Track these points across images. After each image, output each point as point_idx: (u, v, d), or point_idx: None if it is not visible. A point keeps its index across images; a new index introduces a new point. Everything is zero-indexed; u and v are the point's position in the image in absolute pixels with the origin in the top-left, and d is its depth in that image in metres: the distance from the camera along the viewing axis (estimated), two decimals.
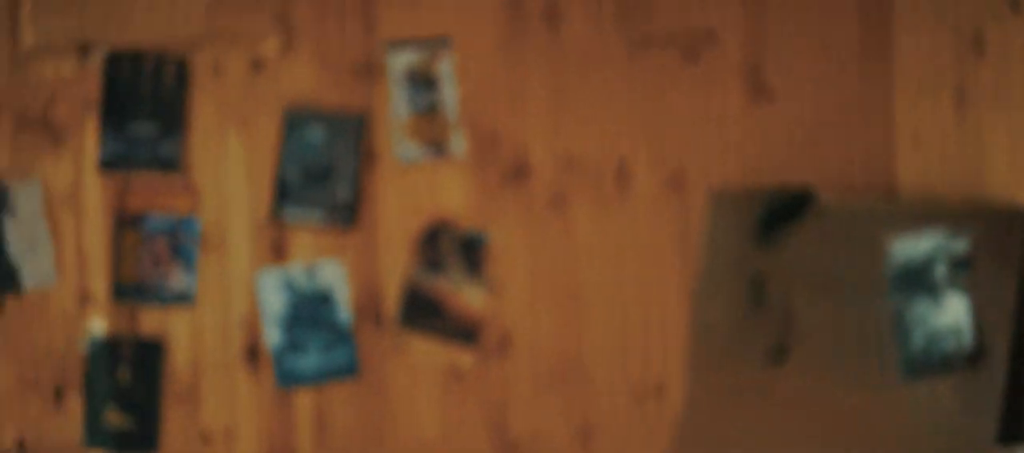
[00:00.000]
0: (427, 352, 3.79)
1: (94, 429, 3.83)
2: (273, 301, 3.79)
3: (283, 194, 3.79)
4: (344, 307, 3.78)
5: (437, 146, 3.76)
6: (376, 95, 3.78)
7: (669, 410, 3.78)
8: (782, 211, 3.62)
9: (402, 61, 3.76)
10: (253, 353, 3.81)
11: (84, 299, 3.83)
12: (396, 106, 3.77)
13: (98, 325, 3.82)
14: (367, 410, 3.81)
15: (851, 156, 3.72)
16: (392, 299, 3.79)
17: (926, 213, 3.40)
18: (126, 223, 3.81)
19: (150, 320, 3.83)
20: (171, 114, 3.80)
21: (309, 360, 3.79)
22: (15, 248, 3.83)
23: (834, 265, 3.59)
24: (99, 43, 3.77)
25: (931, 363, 3.33)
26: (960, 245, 3.31)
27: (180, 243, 3.80)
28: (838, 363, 3.58)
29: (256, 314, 3.80)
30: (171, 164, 3.80)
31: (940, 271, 3.35)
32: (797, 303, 3.61)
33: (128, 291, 3.82)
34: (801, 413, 3.58)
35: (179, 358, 3.82)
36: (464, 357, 3.78)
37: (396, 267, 3.79)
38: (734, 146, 3.76)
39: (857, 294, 3.56)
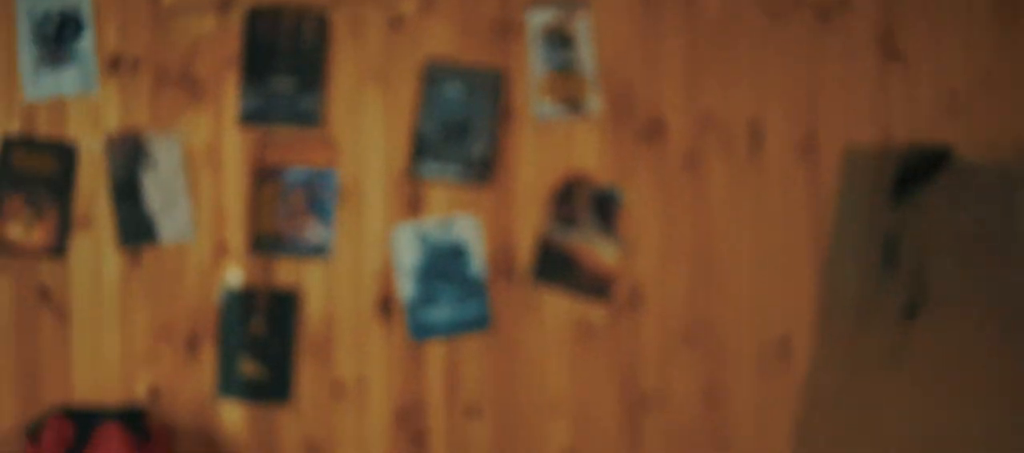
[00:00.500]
0: (559, 307, 3.84)
1: (228, 379, 3.88)
2: (408, 255, 3.84)
3: (420, 149, 3.84)
4: (478, 261, 3.83)
5: (573, 104, 3.81)
6: (514, 53, 3.83)
7: (797, 370, 3.82)
8: (917, 170, 3.66)
9: (540, 19, 3.82)
10: (386, 306, 3.86)
11: (221, 251, 3.88)
12: (533, 64, 3.82)
13: (234, 277, 3.88)
14: (498, 364, 3.85)
15: (985, 117, 3.77)
16: (525, 254, 3.84)
17: None
18: (264, 177, 3.87)
19: (286, 272, 3.88)
20: (310, 70, 3.85)
21: (442, 313, 3.84)
22: (154, 202, 3.88)
23: (969, 223, 3.64)
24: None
25: None
26: None
27: (317, 197, 3.85)
28: (973, 322, 3.62)
29: (390, 267, 3.85)
30: (310, 119, 3.85)
31: None
32: (932, 262, 3.65)
33: (265, 243, 3.87)
34: (934, 373, 3.63)
35: (313, 310, 3.87)
36: (595, 313, 3.83)
37: (530, 223, 3.84)
38: (867, 109, 3.81)
39: (993, 252, 3.61)
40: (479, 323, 3.84)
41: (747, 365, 3.83)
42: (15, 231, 3.91)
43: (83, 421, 3.76)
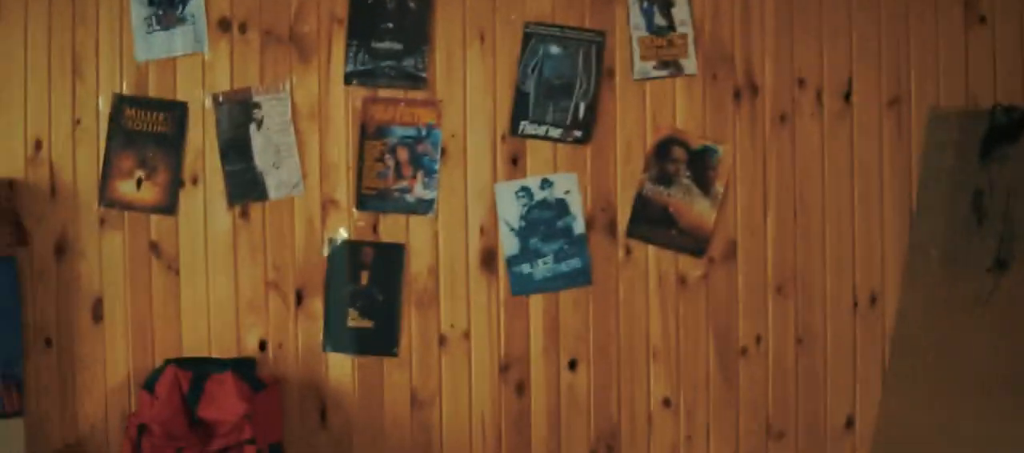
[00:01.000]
0: (656, 261, 3.98)
1: (334, 332, 4.00)
2: (510, 211, 3.97)
3: (521, 108, 3.96)
4: (578, 217, 3.96)
5: (670, 64, 3.94)
6: (614, 14, 3.95)
7: (884, 320, 3.97)
8: (1003, 128, 3.81)
9: None
10: (489, 260, 3.99)
11: (328, 207, 4.00)
12: (633, 26, 3.94)
13: (341, 231, 3.99)
14: (597, 316, 3.99)
15: None
16: (624, 210, 3.97)
17: None
18: (370, 135, 3.98)
19: (391, 227, 4.00)
20: (415, 30, 3.96)
21: (543, 268, 3.97)
22: (262, 158, 3.99)
23: None
24: None
25: None
26: None
27: (421, 154, 3.97)
28: None
29: (493, 223, 3.98)
30: (414, 78, 3.97)
31: None
32: (1018, 216, 3.80)
33: (370, 199, 3.99)
34: (1019, 318, 3.78)
35: (418, 264, 4.00)
36: (691, 266, 3.97)
37: (629, 179, 3.97)
38: (952, 69, 3.95)
39: None
40: (579, 277, 3.97)
41: (837, 313, 3.98)
42: (126, 188, 4.02)
43: (197, 370, 3.87)
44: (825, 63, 3.94)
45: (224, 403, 3.80)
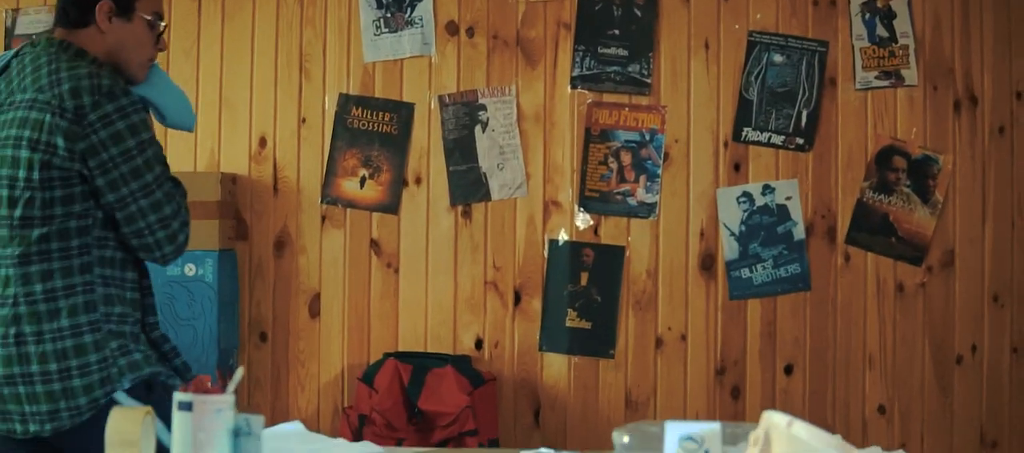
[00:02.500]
0: (875, 268, 4.01)
1: (552, 331, 4.04)
2: (731, 216, 4.01)
3: (745, 115, 4.02)
4: (798, 223, 4.00)
5: (892, 74, 4.00)
6: (836, 25, 4.01)
7: None
8: None
9: None
10: (708, 264, 4.03)
11: (550, 209, 4.05)
12: (855, 35, 4.00)
13: (562, 233, 4.04)
14: (814, 321, 4.02)
15: None
16: (844, 217, 4.01)
17: None
18: (594, 138, 4.04)
19: (612, 229, 4.05)
20: (641, 37, 4.03)
21: (762, 272, 4.01)
22: (486, 160, 4.06)
23: None
24: None
25: None
26: None
27: (644, 158, 4.03)
28: None
29: (713, 228, 4.03)
30: (639, 84, 4.03)
31: None
32: None
33: (593, 201, 4.04)
34: None
35: (637, 266, 4.04)
36: (909, 274, 4.00)
37: (849, 187, 4.01)
38: None
39: None
40: (799, 283, 4.01)
41: None
42: (349, 187, 4.08)
43: (417, 364, 3.91)
44: None
45: (445, 395, 3.84)
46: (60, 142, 2.32)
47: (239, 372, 1.87)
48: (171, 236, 2.45)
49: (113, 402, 2.34)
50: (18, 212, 2.35)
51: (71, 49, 2.42)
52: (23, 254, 2.36)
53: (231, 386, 1.82)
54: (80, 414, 2.35)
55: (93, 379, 2.36)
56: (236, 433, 1.78)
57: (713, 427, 1.88)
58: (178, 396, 1.79)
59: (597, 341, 4.03)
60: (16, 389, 2.36)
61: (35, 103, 2.34)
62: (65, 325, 2.36)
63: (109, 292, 2.42)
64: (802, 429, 1.76)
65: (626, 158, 4.02)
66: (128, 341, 2.43)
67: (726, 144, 4.02)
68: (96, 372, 2.36)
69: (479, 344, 4.04)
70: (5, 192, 2.37)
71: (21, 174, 2.34)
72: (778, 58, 4.00)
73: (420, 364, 3.92)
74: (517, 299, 4.05)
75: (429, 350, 4.06)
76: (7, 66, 2.47)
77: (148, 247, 2.44)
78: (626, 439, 1.98)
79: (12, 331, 2.36)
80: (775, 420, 1.77)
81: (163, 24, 2.54)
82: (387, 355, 3.97)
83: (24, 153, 2.34)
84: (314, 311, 4.09)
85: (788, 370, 4.01)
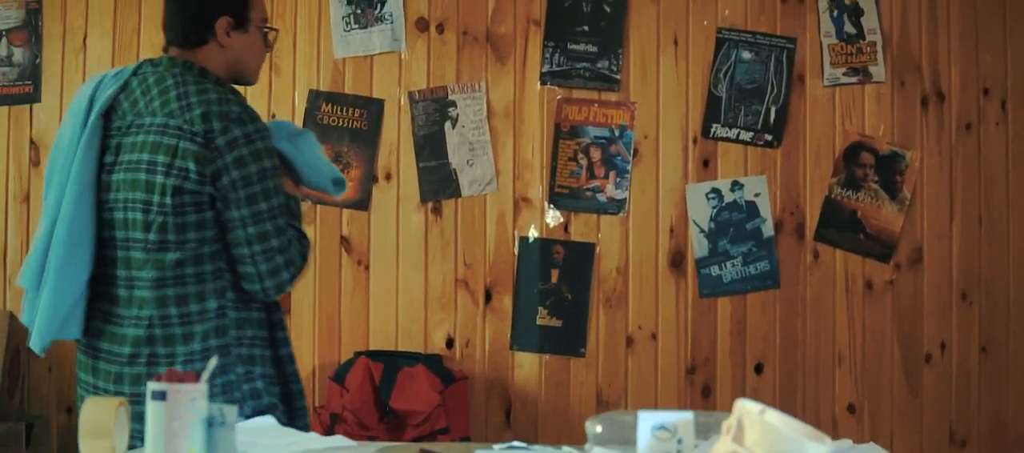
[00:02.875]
0: (843, 265, 4.03)
1: (523, 330, 4.03)
2: (700, 212, 4.02)
3: (713, 112, 4.03)
4: (767, 220, 4.02)
5: (860, 71, 4.02)
6: (805, 21, 4.03)
7: None
8: None
9: None
10: (678, 261, 4.03)
11: (519, 205, 4.04)
12: (823, 32, 4.02)
13: (532, 230, 4.04)
14: (784, 319, 4.03)
15: None
16: (812, 214, 4.03)
17: None
18: (563, 134, 4.04)
19: (582, 226, 4.05)
20: (610, 33, 4.04)
21: (731, 270, 4.02)
22: (456, 156, 4.05)
23: None
24: None
25: None
26: None
27: (614, 154, 4.03)
28: None
29: (683, 225, 4.03)
30: (609, 80, 4.04)
31: None
32: None
33: (562, 198, 4.04)
34: None
35: (608, 263, 4.04)
36: (878, 271, 4.02)
37: (818, 184, 4.03)
38: None
39: None
40: (768, 280, 4.02)
41: (1022, 320, 4.03)
42: None
43: (388, 363, 3.90)
44: (1009, 73, 4.02)
45: (417, 394, 3.82)
46: (191, 166, 2.39)
47: (213, 361, 1.85)
48: (273, 270, 2.46)
49: None
50: (153, 236, 2.42)
51: (194, 69, 2.49)
52: (158, 278, 2.43)
53: (205, 375, 1.80)
54: None
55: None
56: (210, 423, 1.77)
57: (686, 416, 1.88)
58: (152, 385, 1.77)
59: (568, 339, 4.03)
60: (143, 408, 2.35)
61: (166, 128, 2.41)
62: (197, 348, 2.44)
63: (240, 316, 2.49)
64: (774, 417, 1.76)
65: (596, 154, 4.02)
66: (256, 366, 2.51)
67: (695, 140, 4.03)
68: (219, 395, 2.37)
69: (450, 343, 4.03)
70: (140, 216, 2.43)
71: (155, 199, 2.41)
72: (747, 55, 4.02)
73: (391, 363, 3.90)
74: (488, 297, 4.04)
75: (400, 349, 4.05)
76: (126, 84, 2.51)
77: (249, 276, 2.46)
78: (599, 429, 1.98)
79: (145, 351, 2.43)
80: (747, 407, 1.77)
81: (272, 28, 2.63)
82: (358, 354, 3.95)
83: (158, 178, 2.40)
84: (284, 308, 4.05)
85: (758, 369, 4.02)
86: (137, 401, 2.21)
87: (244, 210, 2.43)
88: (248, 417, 2.37)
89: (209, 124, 2.40)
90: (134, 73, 2.52)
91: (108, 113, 2.50)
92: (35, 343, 2.50)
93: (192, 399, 1.77)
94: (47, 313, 2.46)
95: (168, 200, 2.40)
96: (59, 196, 2.48)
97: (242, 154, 2.42)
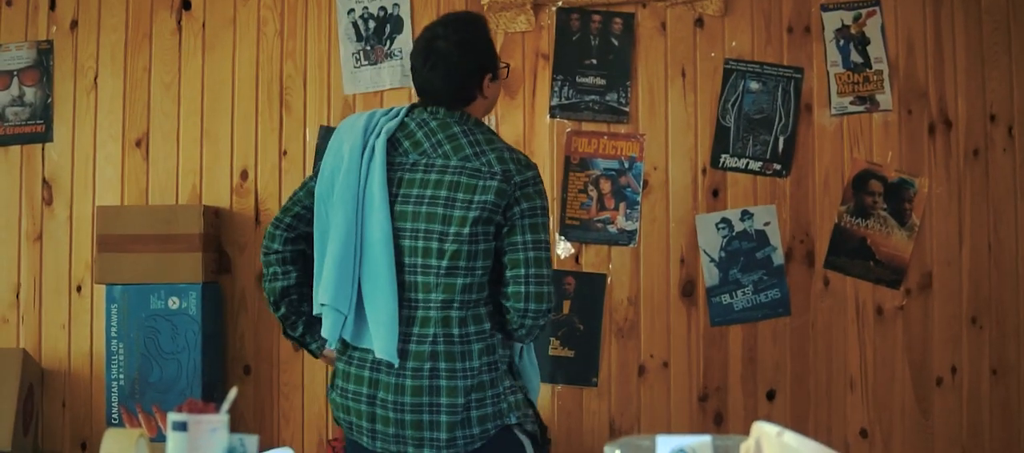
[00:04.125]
0: (854, 291, 4.04)
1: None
2: (710, 242, 4.04)
3: (722, 142, 4.06)
4: (777, 248, 4.04)
5: (867, 99, 4.05)
6: (811, 51, 4.07)
7: None
8: None
9: (834, 20, 4.06)
10: (689, 291, 4.05)
11: None
12: (830, 62, 4.05)
13: None
14: (795, 346, 4.04)
15: None
16: (822, 242, 4.05)
17: None
18: (573, 166, 4.07)
19: (593, 257, 4.07)
20: (618, 66, 4.07)
21: (742, 298, 4.04)
22: None
23: None
24: None
25: None
26: None
27: (624, 186, 4.06)
28: None
29: (693, 254, 4.05)
30: (617, 112, 4.07)
31: None
32: None
33: (573, 230, 4.06)
34: None
35: (619, 294, 4.06)
36: (888, 297, 4.03)
37: (827, 212, 4.05)
38: None
39: None
40: (779, 308, 4.03)
41: None
42: None
43: None
44: (1016, 98, 4.04)
45: None
46: (491, 198, 2.73)
47: (233, 392, 1.87)
48: (539, 296, 2.78)
49: (503, 432, 2.76)
50: (445, 263, 2.72)
51: (471, 120, 2.84)
52: (446, 300, 2.73)
53: (225, 406, 1.82)
54: (473, 442, 2.74)
55: (487, 412, 2.74)
56: None
57: (704, 439, 1.90)
58: (173, 416, 1.79)
59: (580, 369, 4.04)
60: (421, 416, 2.73)
61: (463, 170, 2.75)
62: (474, 365, 2.74)
63: (500, 337, 2.81)
64: (792, 438, 1.78)
65: (606, 186, 4.04)
66: (515, 379, 2.85)
67: (704, 171, 4.05)
68: (490, 406, 2.75)
69: None
70: (434, 245, 2.72)
71: (452, 230, 2.72)
72: (754, 85, 4.05)
73: None
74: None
75: None
76: (403, 124, 2.82)
77: (517, 296, 2.77)
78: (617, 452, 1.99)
79: (428, 366, 2.72)
80: (766, 429, 1.79)
81: (506, 65, 3.00)
82: None
83: (456, 212, 2.73)
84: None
85: (770, 396, 4.03)
86: (418, 411, 2.69)
87: (528, 236, 2.77)
88: (518, 424, 2.77)
89: (506, 165, 2.76)
90: (408, 114, 2.85)
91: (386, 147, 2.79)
92: (389, 353, 2.72)
93: (212, 430, 1.79)
94: (391, 327, 2.71)
95: (466, 230, 2.71)
96: (350, 217, 2.74)
97: (530, 191, 2.79)
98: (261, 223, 4.10)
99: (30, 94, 4.18)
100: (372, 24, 4.10)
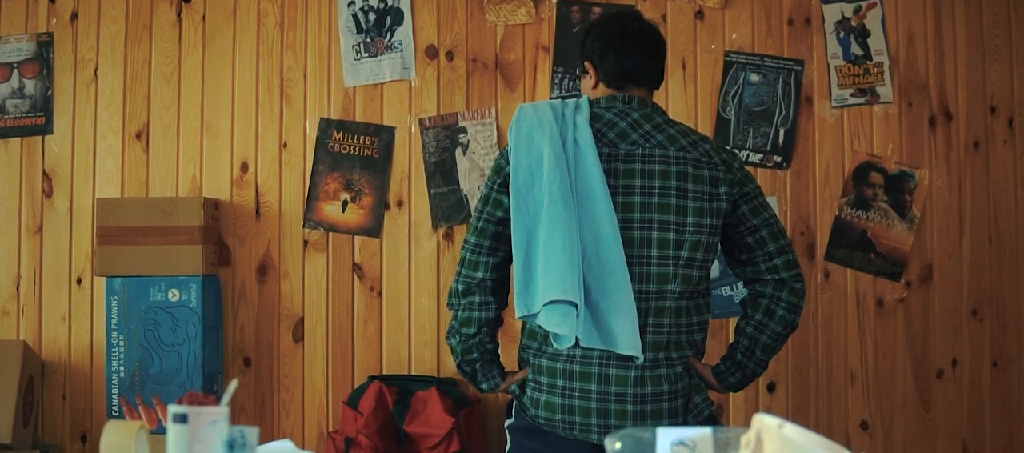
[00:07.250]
0: (854, 284, 4.04)
1: None
2: None
3: (722, 134, 4.05)
4: None
5: (867, 91, 4.04)
6: (811, 44, 4.06)
7: None
8: None
9: (835, 12, 4.06)
10: None
11: None
12: (830, 54, 4.05)
13: None
14: (795, 338, 4.04)
15: None
16: (823, 234, 4.04)
17: None
18: None
19: None
20: None
21: (743, 291, 4.03)
22: (467, 182, 4.07)
23: None
24: None
25: None
26: None
27: None
28: None
29: None
30: None
31: None
32: None
33: None
34: None
35: None
36: (889, 289, 4.03)
37: (827, 204, 4.05)
38: None
39: None
40: None
41: None
42: (331, 211, 4.09)
43: (402, 387, 3.91)
44: (1016, 90, 4.04)
45: (431, 418, 3.84)
46: (724, 190, 2.71)
47: (234, 383, 1.87)
48: (797, 263, 2.83)
49: (712, 412, 2.77)
50: (685, 253, 2.68)
51: (661, 110, 2.80)
52: (682, 291, 2.69)
53: (225, 398, 1.82)
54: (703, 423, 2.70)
55: (677, 404, 2.71)
56: (231, 445, 1.79)
57: (704, 432, 1.89)
58: (173, 408, 1.79)
59: None
60: (661, 405, 2.69)
61: (686, 160, 2.69)
62: (688, 354, 2.74)
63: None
64: (793, 430, 1.78)
65: None
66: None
67: None
68: (680, 396, 2.71)
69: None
70: (672, 236, 2.66)
71: (689, 220, 2.67)
72: (754, 77, 4.04)
73: (405, 387, 3.92)
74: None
75: (413, 373, 4.06)
76: (595, 115, 2.74)
77: (789, 264, 2.80)
78: (618, 445, 1.99)
79: (662, 356, 2.69)
80: (766, 422, 1.79)
81: None
82: (372, 378, 3.97)
83: (691, 203, 2.68)
84: (297, 335, 4.09)
85: (771, 388, 4.03)
86: (644, 401, 2.64)
87: (767, 213, 2.78)
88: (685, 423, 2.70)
89: (721, 155, 2.74)
90: (596, 106, 2.76)
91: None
92: (634, 347, 2.62)
93: (213, 421, 1.79)
94: (634, 319, 2.61)
95: (705, 222, 2.68)
96: (571, 211, 2.60)
97: (746, 173, 2.79)
98: (262, 215, 4.10)
99: (30, 86, 4.18)
100: (372, 16, 4.09)
